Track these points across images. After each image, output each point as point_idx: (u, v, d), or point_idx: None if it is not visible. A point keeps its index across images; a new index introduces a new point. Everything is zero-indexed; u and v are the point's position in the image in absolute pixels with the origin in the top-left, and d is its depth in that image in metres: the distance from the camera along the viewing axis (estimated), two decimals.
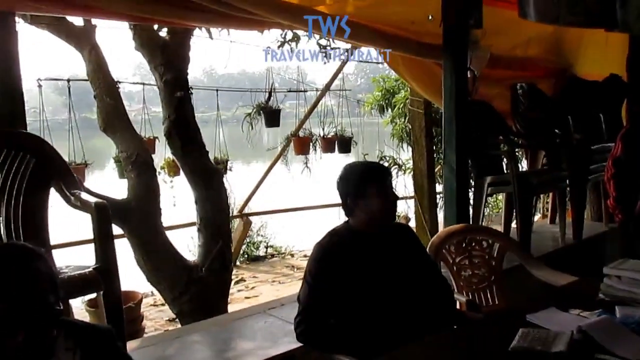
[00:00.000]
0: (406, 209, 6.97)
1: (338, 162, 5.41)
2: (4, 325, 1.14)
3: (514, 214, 3.81)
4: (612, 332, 1.54)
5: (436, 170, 5.25)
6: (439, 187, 5.18)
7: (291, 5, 3.20)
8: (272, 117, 4.91)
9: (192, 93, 4.10)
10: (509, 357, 1.48)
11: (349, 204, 2.04)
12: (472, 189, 4.05)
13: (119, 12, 2.84)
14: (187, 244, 5.86)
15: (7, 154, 2.27)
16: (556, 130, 4.35)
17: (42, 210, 2.28)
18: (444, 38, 3.45)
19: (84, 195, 2.24)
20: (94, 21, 3.83)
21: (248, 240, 7.29)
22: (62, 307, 1.23)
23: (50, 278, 1.23)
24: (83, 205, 2.18)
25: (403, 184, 6.49)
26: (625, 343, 1.49)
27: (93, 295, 2.91)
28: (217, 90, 5.46)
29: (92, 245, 2.10)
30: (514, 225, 3.97)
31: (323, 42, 6.07)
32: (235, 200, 6.02)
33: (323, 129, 5.50)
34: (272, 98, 5.17)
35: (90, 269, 1.99)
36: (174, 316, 4.69)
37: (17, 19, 2.63)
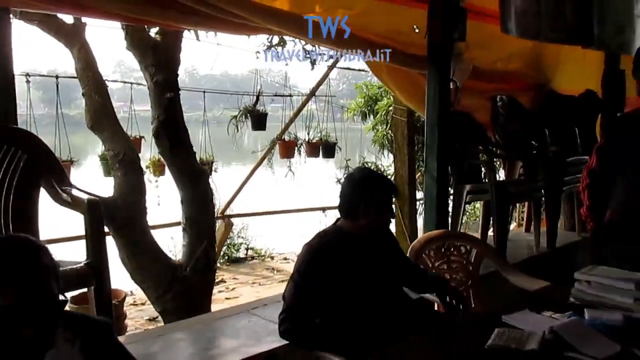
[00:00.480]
0: None
1: (321, 166, 5.51)
2: (13, 319, 1.16)
3: (491, 221, 3.94)
4: (580, 333, 1.64)
5: (417, 177, 5.35)
6: (419, 194, 5.29)
7: (282, 12, 3.27)
8: (259, 120, 4.98)
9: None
10: (486, 354, 1.57)
11: (360, 209, 2.08)
12: (452, 196, 4.16)
13: (111, 12, 2.85)
14: (167, 244, 5.89)
15: None
16: (533, 142, 4.49)
17: (32, 206, 2.31)
18: (429, 50, 3.53)
19: (75, 192, 2.27)
20: (84, 19, 3.86)
21: (229, 242, 7.32)
22: (66, 299, 1.28)
23: (54, 271, 1.27)
24: (74, 202, 2.22)
25: None
26: (592, 343, 1.59)
27: (76, 292, 2.94)
28: (204, 92, 5.50)
29: (75, 242, 2.14)
30: (490, 233, 4.09)
31: (309, 47, 6.17)
32: (217, 202, 6.06)
33: (308, 134, 5.58)
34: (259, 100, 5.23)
35: (82, 264, 2.03)
36: (155, 315, 4.72)
37: None
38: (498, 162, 5.43)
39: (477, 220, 6.24)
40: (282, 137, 5.75)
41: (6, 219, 2.25)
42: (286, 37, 5.36)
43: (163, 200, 4.97)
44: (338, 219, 2.21)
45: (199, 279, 3.95)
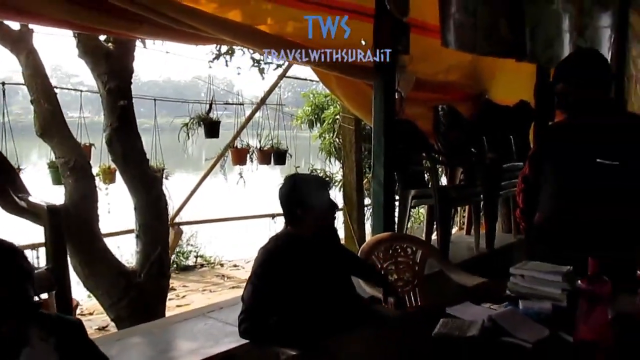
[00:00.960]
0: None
1: (272, 173, 5.61)
2: None
3: (435, 225, 4.15)
4: (515, 320, 1.83)
5: (364, 183, 5.52)
6: (366, 200, 5.46)
7: (234, 23, 3.37)
8: (212, 128, 5.02)
9: None
10: (432, 341, 1.73)
11: (298, 215, 2.21)
12: (398, 201, 4.35)
13: (62, 20, 2.86)
14: (115, 252, 5.82)
15: None
16: (472, 149, 4.76)
17: None
18: (375, 62, 3.70)
19: (33, 199, 2.29)
20: (31, 25, 3.82)
21: (178, 250, 7.28)
22: (40, 300, 1.34)
23: (30, 273, 1.34)
24: (33, 210, 2.24)
25: (333, 197, 6.71)
26: (525, 329, 1.77)
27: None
28: (154, 99, 5.50)
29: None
30: (434, 236, 4.30)
31: (257, 56, 6.27)
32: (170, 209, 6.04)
33: (260, 141, 5.67)
34: (201, 108, 5.27)
35: (44, 270, 2.06)
36: (104, 325, 4.68)
37: None
38: (440, 169, 5.68)
39: (422, 224, 6.51)
40: (234, 145, 5.82)
41: None
42: (235, 47, 5.44)
43: (113, 208, 4.93)
44: None
45: (153, 285, 3.97)
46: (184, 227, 6.78)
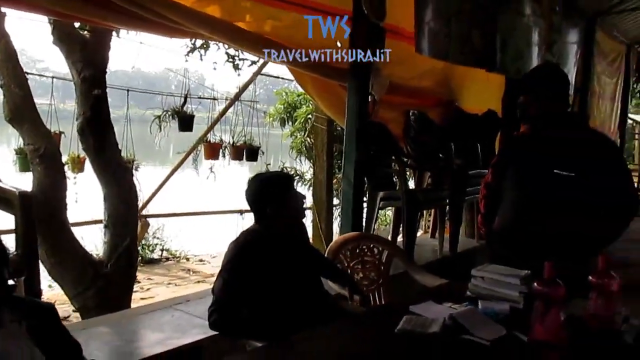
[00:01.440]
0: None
1: (241, 170, 5.63)
2: None
3: (401, 226, 4.25)
4: (474, 319, 1.91)
5: (334, 183, 5.59)
6: (335, 200, 5.53)
7: (213, 18, 3.39)
8: (186, 122, 5.01)
9: None
10: (396, 337, 1.80)
11: (268, 213, 2.26)
12: (366, 202, 4.43)
13: (44, 7, 2.86)
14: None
15: None
16: (440, 155, 4.89)
17: None
18: (350, 64, 3.75)
19: (3, 185, 2.28)
20: (3, 9, 3.76)
21: (143, 243, 7.21)
22: (15, 283, 1.35)
23: (3, 257, 1.35)
24: (2, 194, 2.23)
25: None
26: (483, 327, 1.86)
27: None
28: (127, 90, 5.45)
29: None
30: (399, 238, 4.40)
31: (232, 51, 6.27)
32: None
33: (233, 137, 5.67)
34: (174, 101, 5.25)
35: (13, 255, 2.05)
36: (66, 315, 4.62)
37: None
38: (409, 172, 5.80)
39: (388, 225, 6.62)
40: (207, 139, 5.81)
41: None
42: (210, 41, 5.44)
43: (80, 198, 4.87)
44: None
45: (121, 276, 3.96)
46: (150, 220, 6.72)
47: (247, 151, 5.55)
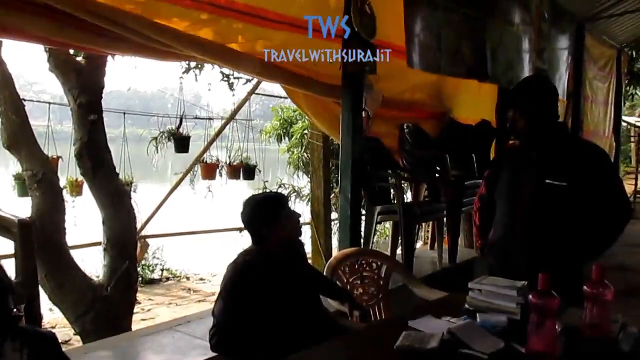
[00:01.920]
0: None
1: (240, 187, 5.65)
2: None
3: (399, 239, 4.27)
4: (473, 333, 1.93)
5: (331, 198, 5.61)
6: (333, 215, 5.55)
7: (205, 41, 3.43)
8: (183, 143, 5.05)
9: None
10: (395, 353, 1.82)
11: (265, 233, 2.29)
12: (364, 216, 4.46)
13: (41, 36, 2.88)
14: (79, 264, 5.74)
15: None
16: (436, 167, 4.92)
17: None
18: (343, 81, 3.77)
19: (3, 212, 2.30)
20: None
21: (144, 263, 7.22)
22: (21, 314, 1.38)
23: (10, 286, 1.37)
24: (2, 222, 2.25)
25: (300, 211, 6.78)
26: (482, 341, 1.88)
27: None
28: (124, 113, 5.50)
29: None
30: (399, 251, 4.42)
31: (226, 70, 6.33)
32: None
33: (229, 157, 5.71)
34: (170, 121, 5.30)
35: (14, 282, 2.07)
36: (67, 339, 4.62)
37: None
38: (406, 185, 5.83)
39: (387, 239, 6.63)
40: (204, 159, 5.85)
41: None
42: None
43: (79, 221, 4.89)
44: None
45: (121, 298, 3.97)
46: (150, 240, 6.73)
47: (244, 170, 5.59)
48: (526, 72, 6.42)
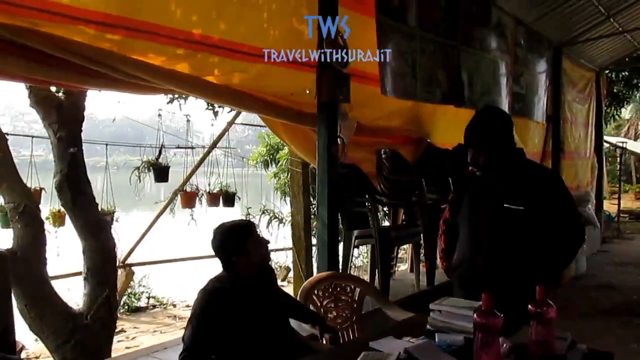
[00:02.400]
0: (286, 259, 7.39)
1: (224, 213, 5.72)
2: None
3: None
4: (428, 352, 2.02)
5: (312, 224, 5.68)
6: (314, 240, 5.62)
7: (182, 74, 3.54)
8: (162, 173, 5.16)
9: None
10: None
11: (234, 261, 2.38)
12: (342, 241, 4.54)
13: (15, 74, 3.00)
14: (65, 295, 5.77)
15: None
16: (414, 191, 5.03)
17: None
18: (318, 109, 3.86)
19: None
20: None
21: (129, 291, 7.24)
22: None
23: None
24: None
25: (283, 236, 6.88)
26: (436, 359, 1.97)
27: None
28: (106, 144, 5.60)
29: None
30: None
31: None
32: (119, 251, 6.05)
33: (209, 185, 5.82)
34: (152, 152, 5.42)
35: None
36: None
37: None
38: (387, 209, 5.93)
39: None
40: (184, 188, 5.95)
41: None
42: None
43: (62, 251, 4.96)
44: None
45: (100, 326, 4.02)
46: (135, 268, 6.77)
47: (224, 197, 5.69)
48: (503, 96, 6.61)
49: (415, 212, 4.80)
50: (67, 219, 4.54)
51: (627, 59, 10.83)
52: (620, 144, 13.57)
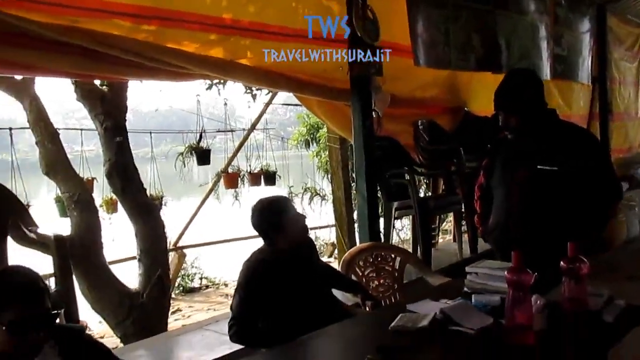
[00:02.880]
0: (330, 236, 7.51)
1: (265, 194, 5.87)
2: (27, 326, 1.50)
3: None
4: (464, 312, 2.07)
5: (353, 198, 5.75)
6: (355, 214, 5.70)
7: (216, 59, 3.65)
8: (203, 156, 5.35)
9: None
10: (389, 332, 1.98)
11: (270, 235, 2.48)
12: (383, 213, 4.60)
13: (61, 70, 3.18)
14: (123, 277, 6.07)
15: None
16: (453, 160, 5.02)
17: (1, 245, 2.60)
18: (351, 85, 3.88)
19: (41, 231, 2.58)
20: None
21: (183, 273, 7.54)
22: (58, 312, 1.62)
23: (47, 291, 1.62)
24: (42, 240, 2.52)
25: (326, 213, 6.98)
26: (472, 319, 2.02)
27: None
28: (150, 132, 5.82)
29: None
30: None
31: None
32: (169, 235, 6.30)
33: (249, 165, 5.98)
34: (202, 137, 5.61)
35: (53, 291, 2.33)
36: (114, 347, 4.93)
37: None
38: (426, 180, 5.92)
39: None
40: (227, 170, 6.13)
41: None
42: None
43: (117, 236, 5.22)
44: None
45: (155, 304, 4.26)
46: (187, 251, 7.04)
47: (265, 176, 5.83)
48: (544, 59, 6.41)
49: (455, 181, 4.80)
50: (120, 207, 4.78)
51: None
52: None
